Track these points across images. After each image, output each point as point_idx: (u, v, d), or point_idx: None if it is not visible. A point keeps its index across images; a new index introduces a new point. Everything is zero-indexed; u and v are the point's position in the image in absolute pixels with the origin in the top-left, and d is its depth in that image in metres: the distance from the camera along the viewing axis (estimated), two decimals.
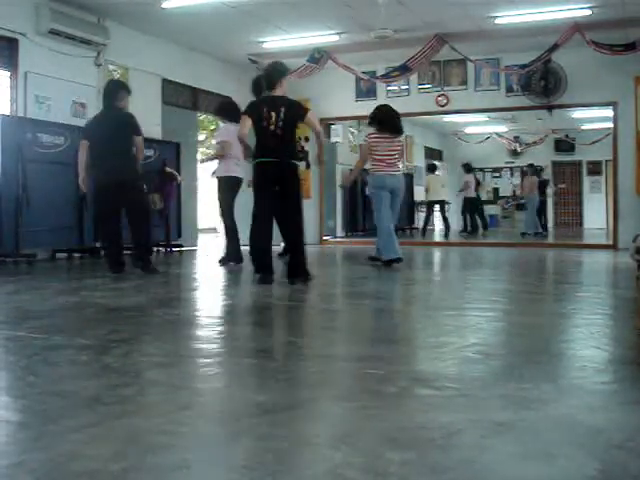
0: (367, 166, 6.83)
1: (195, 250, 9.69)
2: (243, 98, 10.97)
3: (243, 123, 5.10)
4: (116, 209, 5.96)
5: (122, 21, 8.54)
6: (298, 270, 5.17)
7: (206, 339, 3.17)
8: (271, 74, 5.24)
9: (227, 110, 7.24)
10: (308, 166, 11.52)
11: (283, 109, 5.03)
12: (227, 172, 6.79)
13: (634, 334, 3.12)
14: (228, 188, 6.81)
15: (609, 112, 10.29)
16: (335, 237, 12.82)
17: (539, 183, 14.93)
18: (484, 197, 19.96)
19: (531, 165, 15.44)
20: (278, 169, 5.06)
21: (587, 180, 19.06)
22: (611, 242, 10.04)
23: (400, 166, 6.87)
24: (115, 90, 6.06)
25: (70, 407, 1.95)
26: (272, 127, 4.99)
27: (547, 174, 16.72)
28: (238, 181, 6.87)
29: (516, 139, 18.90)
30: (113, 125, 5.88)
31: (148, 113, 9.18)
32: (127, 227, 6.01)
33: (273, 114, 5.00)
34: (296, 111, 5.13)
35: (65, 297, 4.44)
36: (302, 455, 1.58)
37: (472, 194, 15.20)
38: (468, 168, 15.36)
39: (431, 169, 14.86)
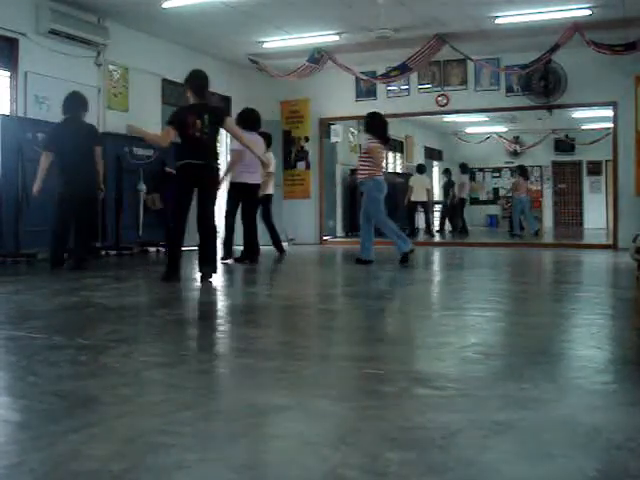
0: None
1: (195, 250, 9.68)
2: (243, 98, 11.04)
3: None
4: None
5: (122, 21, 8.54)
6: (207, 263, 5.46)
7: (206, 339, 3.17)
8: (203, 82, 5.47)
9: (243, 118, 7.36)
10: (308, 166, 11.56)
11: (207, 115, 5.33)
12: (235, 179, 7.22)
13: (634, 334, 3.12)
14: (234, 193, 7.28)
15: (609, 112, 10.28)
16: (335, 237, 12.81)
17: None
18: (484, 197, 20.00)
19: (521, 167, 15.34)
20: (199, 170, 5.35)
21: (587, 180, 19.05)
22: (611, 242, 10.04)
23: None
24: (85, 101, 6.58)
25: (70, 407, 1.95)
26: (197, 133, 5.29)
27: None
28: (246, 186, 7.27)
29: (516, 139, 18.90)
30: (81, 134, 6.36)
31: (148, 113, 9.19)
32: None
33: (198, 121, 5.29)
34: (218, 116, 5.50)
35: (65, 297, 4.44)
36: (302, 455, 1.58)
37: (464, 195, 15.49)
38: (464, 169, 15.46)
39: (419, 170, 14.75)
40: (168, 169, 8.89)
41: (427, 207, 14.78)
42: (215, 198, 5.52)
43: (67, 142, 6.18)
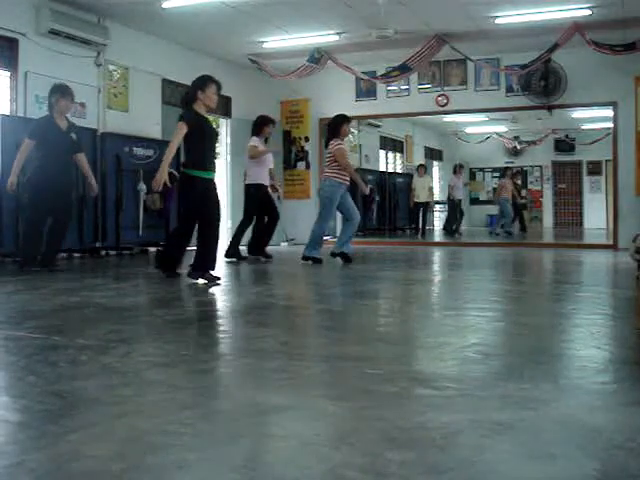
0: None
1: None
2: (243, 98, 11.04)
3: None
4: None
5: (122, 21, 8.54)
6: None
7: (206, 339, 3.17)
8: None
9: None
10: (308, 166, 11.56)
11: None
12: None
13: (634, 334, 3.12)
14: None
15: (609, 112, 10.27)
16: (335, 237, 12.79)
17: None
18: (484, 197, 19.99)
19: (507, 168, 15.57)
20: None
21: (587, 180, 19.05)
22: (611, 242, 10.04)
23: None
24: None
25: (70, 407, 1.95)
26: None
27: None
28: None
29: (516, 139, 18.89)
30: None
31: (148, 113, 9.20)
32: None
33: None
34: None
35: (65, 297, 4.44)
36: (302, 455, 1.58)
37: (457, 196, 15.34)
38: (454, 169, 15.47)
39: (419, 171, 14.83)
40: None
41: (427, 207, 14.80)
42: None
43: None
